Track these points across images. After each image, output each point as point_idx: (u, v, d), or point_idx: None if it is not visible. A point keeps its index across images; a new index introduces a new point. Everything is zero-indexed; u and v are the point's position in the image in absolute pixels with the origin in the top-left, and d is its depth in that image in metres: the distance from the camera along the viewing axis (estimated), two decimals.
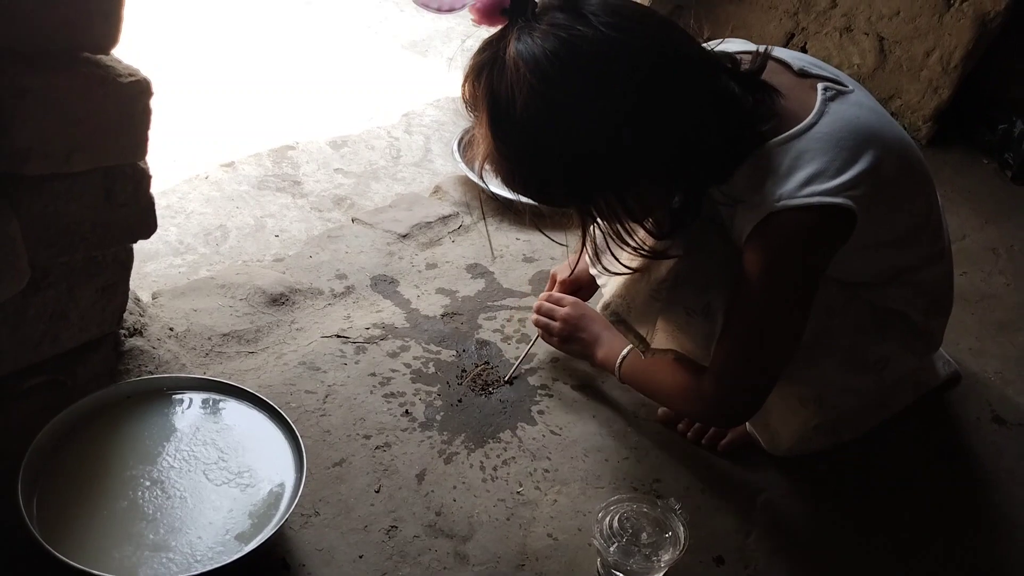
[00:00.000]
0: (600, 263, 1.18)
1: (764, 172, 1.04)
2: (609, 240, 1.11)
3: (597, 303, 1.39)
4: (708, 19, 2.36)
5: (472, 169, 1.96)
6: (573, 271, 1.44)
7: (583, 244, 1.13)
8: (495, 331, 1.54)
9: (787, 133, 1.05)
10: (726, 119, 1.04)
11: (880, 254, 1.15)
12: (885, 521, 1.29)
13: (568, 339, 1.41)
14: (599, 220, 1.09)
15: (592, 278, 1.44)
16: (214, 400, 1.26)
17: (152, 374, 1.31)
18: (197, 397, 1.26)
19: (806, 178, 1.02)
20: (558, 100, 0.97)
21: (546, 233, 1.23)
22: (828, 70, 1.14)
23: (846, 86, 1.11)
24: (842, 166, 1.03)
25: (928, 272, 1.22)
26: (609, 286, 1.25)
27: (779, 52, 1.14)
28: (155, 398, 1.25)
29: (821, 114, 1.06)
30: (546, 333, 1.43)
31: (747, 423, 1.31)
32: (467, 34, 3.03)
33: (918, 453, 1.41)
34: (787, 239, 1.04)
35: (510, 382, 1.43)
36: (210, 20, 2.93)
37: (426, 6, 1.08)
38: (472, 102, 1.04)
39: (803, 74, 1.12)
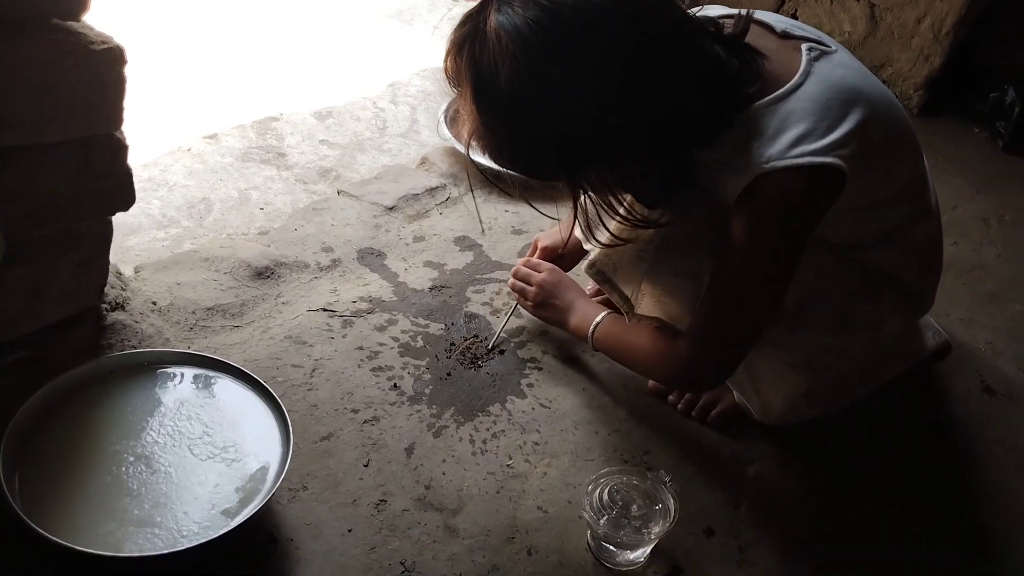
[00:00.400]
0: (591, 235, 1.17)
1: (751, 135, 1.03)
2: (599, 211, 1.09)
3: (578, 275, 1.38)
4: None
5: (460, 142, 1.94)
6: (566, 244, 1.43)
7: (574, 216, 1.12)
8: (484, 304, 1.53)
9: (773, 95, 1.04)
10: (711, 85, 1.02)
11: (870, 214, 1.14)
12: (875, 492, 1.29)
13: (542, 304, 1.39)
14: (588, 192, 1.07)
15: (575, 249, 1.43)
16: (198, 375, 1.24)
17: (135, 349, 1.29)
18: (181, 371, 1.24)
19: (794, 139, 1.01)
20: (542, 70, 0.95)
21: (534, 206, 1.21)
22: (810, 31, 1.12)
23: (829, 47, 1.09)
24: (830, 125, 1.02)
25: (918, 230, 1.21)
26: (592, 249, 1.25)
27: (761, 15, 1.12)
28: (138, 373, 1.22)
29: (807, 75, 1.05)
30: (521, 297, 1.42)
31: (736, 392, 1.31)
32: (453, 2, 2.98)
33: (908, 424, 1.41)
34: (776, 201, 1.03)
35: (495, 350, 1.42)
36: None
37: None
38: (455, 76, 1.02)
39: (786, 36, 1.10)
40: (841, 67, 1.08)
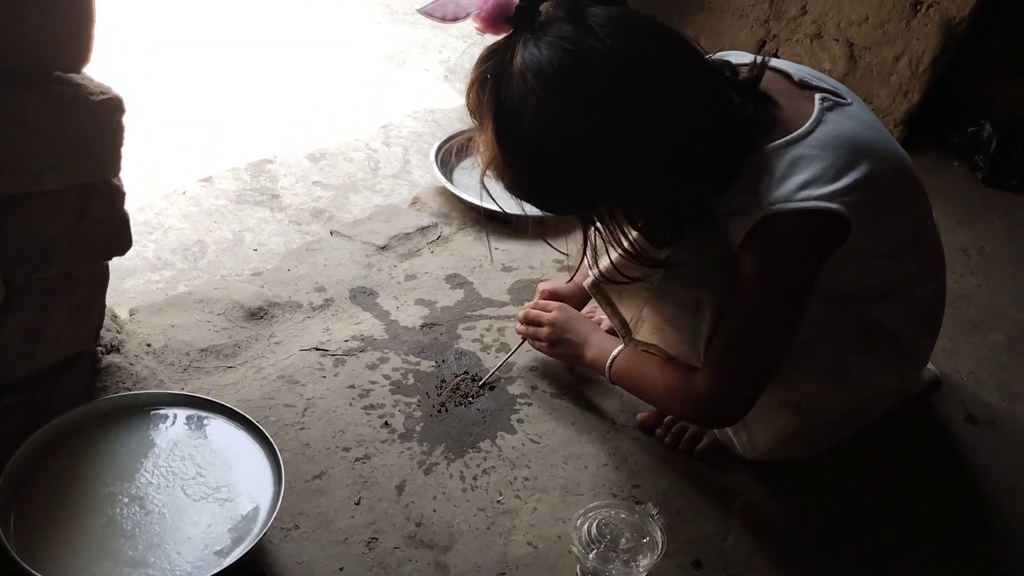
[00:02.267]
0: (599, 270, 1.18)
1: (760, 176, 1.06)
2: (609, 248, 1.12)
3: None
4: (681, 25, 2.40)
5: (449, 180, 1.98)
6: (572, 278, 1.43)
7: (583, 251, 1.14)
8: (474, 340, 1.55)
9: (784, 139, 1.07)
10: (727, 130, 1.06)
11: (872, 265, 1.16)
12: (863, 524, 1.30)
13: (556, 342, 1.39)
14: (600, 227, 1.10)
15: (578, 294, 1.45)
16: (192, 415, 1.26)
17: (130, 391, 1.31)
18: (175, 413, 1.26)
19: (801, 183, 1.04)
20: (565, 112, 0.99)
21: (548, 242, 1.27)
22: (828, 82, 1.16)
23: (845, 99, 1.13)
24: (837, 173, 1.05)
25: (920, 289, 1.24)
26: (600, 266, 1.24)
27: (779, 63, 1.16)
28: (133, 415, 1.25)
29: (818, 122, 1.08)
30: (533, 339, 1.43)
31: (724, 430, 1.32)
32: (443, 46, 3.05)
33: (894, 454, 1.43)
34: (782, 241, 1.05)
35: (487, 387, 1.44)
36: (187, 35, 2.93)
37: (430, 15, 1.10)
38: (477, 109, 1.05)
39: (803, 85, 1.14)
40: (853, 119, 1.11)
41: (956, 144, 2.30)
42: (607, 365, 1.32)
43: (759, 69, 1.10)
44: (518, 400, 1.43)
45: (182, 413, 1.26)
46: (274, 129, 2.42)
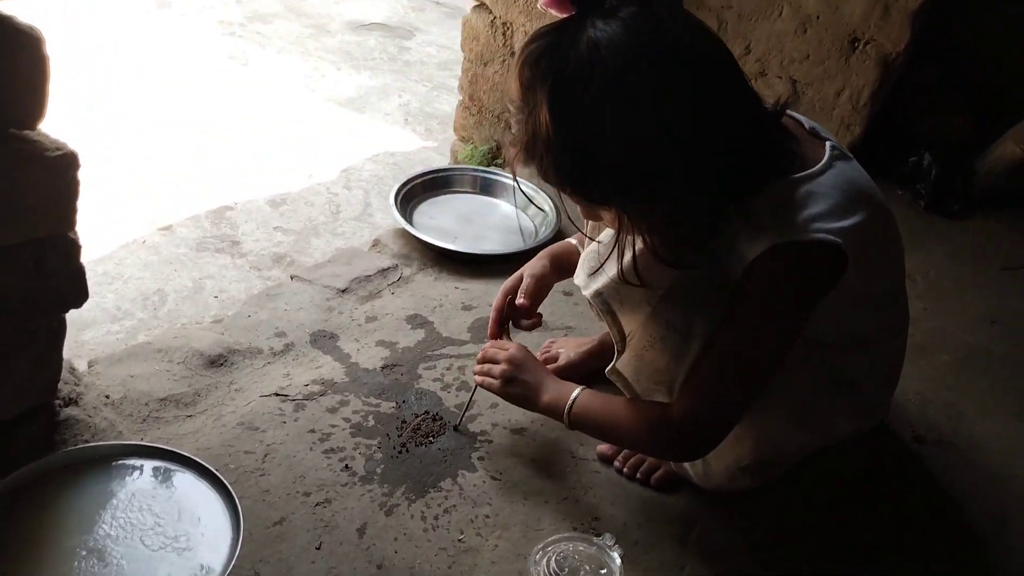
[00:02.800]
0: (620, 268, 1.16)
1: (774, 205, 1.09)
2: (626, 248, 1.12)
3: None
4: None
5: (409, 222, 2.01)
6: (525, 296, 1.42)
7: (616, 243, 1.13)
8: (435, 380, 1.57)
9: (800, 174, 1.11)
10: (760, 146, 1.09)
11: (853, 315, 1.19)
12: (817, 548, 1.33)
13: (511, 380, 1.34)
14: (628, 221, 1.10)
15: (536, 310, 1.46)
16: (150, 466, 1.26)
17: (88, 443, 1.31)
18: (133, 464, 1.26)
19: (812, 215, 1.08)
20: (633, 91, 0.99)
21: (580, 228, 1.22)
22: (833, 138, 1.21)
23: (848, 154, 1.19)
24: (843, 214, 1.09)
25: (890, 344, 1.30)
26: (602, 278, 1.24)
27: (792, 112, 1.21)
28: (91, 467, 1.25)
29: (829, 165, 1.13)
30: (488, 377, 1.37)
31: None
32: (403, 90, 3.10)
33: (846, 477, 1.46)
34: (785, 270, 1.08)
35: (457, 429, 1.45)
36: (149, 86, 2.96)
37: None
38: (528, 84, 1.04)
39: (813, 133, 1.19)
40: (856, 171, 1.17)
41: (899, 173, 2.38)
42: (566, 407, 1.28)
43: (781, 106, 1.15)
44: (479, 438, 1.45)
45: (140, 464, 1.26)
46: (235, 176, 2.46)
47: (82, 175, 1.19)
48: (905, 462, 1.51)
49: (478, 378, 1.39)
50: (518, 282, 1.45)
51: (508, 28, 2.41)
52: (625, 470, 1.39)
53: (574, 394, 1.28)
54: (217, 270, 1.93)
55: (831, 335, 1.21)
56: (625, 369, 1.26)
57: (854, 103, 2.28)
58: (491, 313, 1.45)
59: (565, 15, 1.04)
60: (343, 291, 1.80)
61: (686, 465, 1.35)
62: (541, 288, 1.46)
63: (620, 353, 1.26)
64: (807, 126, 1.20)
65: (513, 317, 1.45)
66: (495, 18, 2.43)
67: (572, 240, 1.51)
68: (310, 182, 2.41)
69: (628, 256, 1.14)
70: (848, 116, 2.29)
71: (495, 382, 1.35)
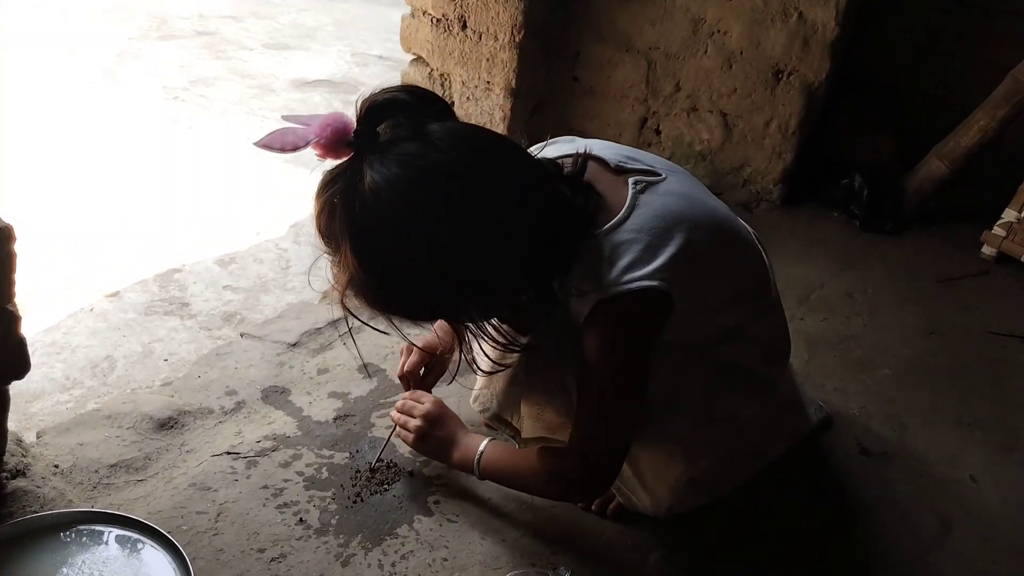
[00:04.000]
0: (475, 366, 1.26)
1: (589, 263, 1.14)
2: (479, 340, 1.19)
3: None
4: (567, 111, 2.54)
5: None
6: (437, 351, 1.48)
7: (460, 349, 1.20)
8: (388, 427, 1.56)
9: (606, 227, 1.15)
10: (566, 221, 1.14)
11: (707, 318, 1.25)
12: (772, 565, 1.36)
13: (425, 436, 1.39)
14: (467, 325, 1.17)
15: (443, 354, 1.50)
16: (101, 532, 1.25)
17: (36, 513, 1.29)
18: (84, 530, 1.25)
19: (624, 267, 1.12)
20: (420, 223, 1.04)
21: (408, 338, 1.24)
22: (644, 160, 1.25)
23: (659, 175, 1.22)
24: (654, 252, 1.14)
25: (760, 325, 1.33)
26: (474, 386, 1.34)
27: (598, 150, 1.25)
28: (39, 537, 1.23)
29: (632, 208, 1.17)
30: (404, 431, 1.42)
31: (627, 492, 1.37)
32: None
33: (796, 494, 1.50)
34: (616, 321, 1.14)
35: (373, 468, 1.46)
36: (92, 151, 2.96)
37: (268, 148, 1.14)
38: (328, 234, 1.08)
39: (619, 170, 1.22)
40: (665, 195, 1.20)
41: (833, 196, 2.47)
42: (475, 461, 1.33)
43: (583, 162, 1.19)
44: (434, 482, 1.46)
45: (91, 530, 1.25)
46: (183, 238, 2.46)
47: (26, 245, 1.20)
48: (852, 476, 1.55)
49: (397, 430, 1.44)
50: (425, 359, 1.49)
51: (446, 79, 2.48)
52: (579, 504, 1.41)
53: (480, 447, 1.34)
54: (166, 333, 1.93)
55: (699, 337, 1.26)
56: (535, 432, 1.33)
57: (783, 132, 2.37)
58: (402, 381, 1.50)
59: (344, 159, 1.07)
60: (294, 345, 1.81)
61: (635, 501, 1.37)
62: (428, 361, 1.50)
63: (514, 436, 1.36)
64: (613, 164, 1.23)
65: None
66: (432, 70, 2.49)
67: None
68: (259, 239, 2.42)
69: (484, 352, 1.23)
70: (779, 144, 2.38)
71: (410, 436, 1.41)
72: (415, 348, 1.48)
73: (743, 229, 1.34)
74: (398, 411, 1.44)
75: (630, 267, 1.12)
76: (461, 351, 1.20)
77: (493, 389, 1.29)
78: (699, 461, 1.30)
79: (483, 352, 1.25)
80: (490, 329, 1.17)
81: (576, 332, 1.17)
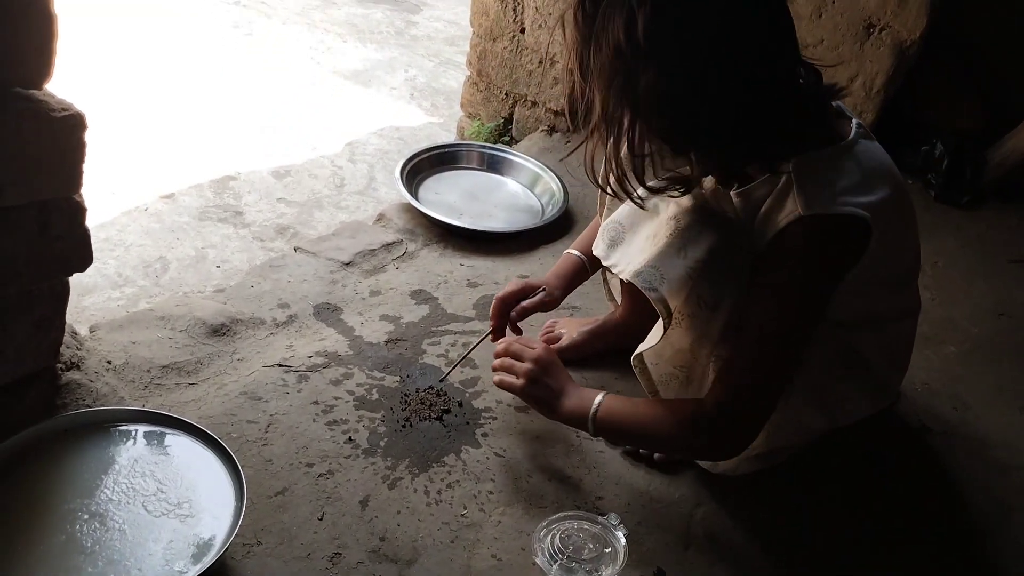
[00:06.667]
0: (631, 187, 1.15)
1: (803, 175, 1.09)
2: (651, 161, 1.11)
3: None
4: None
5: (415, 197, 1.99)
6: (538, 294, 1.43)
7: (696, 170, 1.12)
8: (439, 356, 1.56)
9: (829, 148, 1.11)
10: (804, 103, 1.11)
11: (871, 293, 1.19)
12: (823, 533, 1.33)
13: (535, 381, 1.28)
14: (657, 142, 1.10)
15: (538, 305, 1.45)
16: (153, 432, 1.25)
17: (90, 408, 1.30)
18: (135, 429, 1.25)
19: (839, 190, 1.08)
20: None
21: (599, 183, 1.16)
22: (857, 119, 1.20)
23: (871, 134, 1.18)
24: (868, 189, 1.10)
25: (903, 324, 1.30)
26: (635, 258, 1.22)
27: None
28: (93, 432, 1.23)
29: (855, 142, 1.13)
30: (509, 374, 1.31)
31: None
32: (409, 65, 3.07)
33: (852, 463, 1.46)
34: (814, 243, 1.08)
35: (442, 382, 1.45)
36: (153, 53, 2.92)
37: None
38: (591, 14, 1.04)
39: (839, 112, 1.19)
40: (878, 149, 1.17)
41: (910, 163, 2.36)
42: (591, 412, 1.24)
43: (818, 79, 1.14)
44: (483, 414, 1.44)
45: (143, 430, 1.25)
46: (238, 146, 2.43)
47: (88, 138, 1.17)
48: (912, 450, 1.51)
49: (496, 377, 1.32)
50: (527, 290, 1.45)
51: (519, 4, 2.39)
52: (629, 448, 1.38)
53: (597, 399, 1.25)
54: (220, 240, 1.91)
55: (846, 313, 1.20)
56: (647, 352, 1.24)
57: (867, 90, 2.25)
58: (495, 303, 1.45)
59: None
60: (347, 264, 1.79)
61: None
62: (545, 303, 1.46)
63: (667, 328, 1.21)
64: (834, 104, 1.20)
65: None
66: None
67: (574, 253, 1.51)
68: (314, 154, 2.39)
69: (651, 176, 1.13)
70: (861, 103, 2.27)
71: (517, 382, 1.29)
72: (519, 280, 1.45)
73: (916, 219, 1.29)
74: (502, 352, 1.33)
75: (846, 191, 1.08)
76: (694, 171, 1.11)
77: (663, 271, 1.17)
78: (778, 439, 1.25)
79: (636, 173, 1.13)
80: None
81: (749, 251, 1.12)
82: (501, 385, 1.32)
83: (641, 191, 1.14)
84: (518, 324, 1.46)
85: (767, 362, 1.13)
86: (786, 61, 1.08)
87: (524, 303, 1.44)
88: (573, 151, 1.16)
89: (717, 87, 1.02)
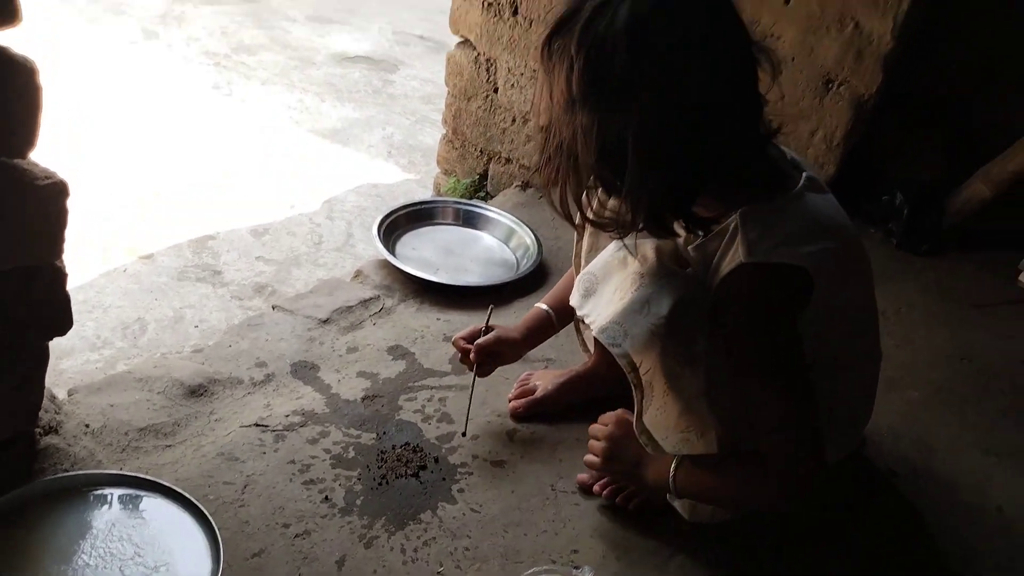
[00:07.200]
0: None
1: (748, 222, 1.12)
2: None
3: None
4: None
5: (392, 253, 2.03)
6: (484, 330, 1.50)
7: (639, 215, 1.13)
8: (416, 411, 1.58)
9: (775, 200, 1.15)
10: (757, 150, 1.14)
11: (824, 337, 1.21)
12: None
13: (612, 458, 1.36)
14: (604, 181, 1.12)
15: (503, 345, 1.51)
16: (130, 495, 1.26)
17: (67, 472, 1.30)
18: (113, 493, 1.26)
19: (781, 239, 1.11)
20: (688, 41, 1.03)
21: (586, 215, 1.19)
22: (811, 173, 1.23)
23: (824, 188, 1.23)
24: (810, 239, 1.13)
25: (861, 370, 1.34)
26: (603, 312, 1.25)
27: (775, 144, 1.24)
28: (71, 496, 1.24)
29: (802, 194, 1.17)
30: (590, 455, 1.40)
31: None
32: (387, 123, 3.13)
33: (823, 508, 1.48)
34: (755, 290, 1.12)
35: (464, 436, 1.51)
36: (132, 113, 2.97)
37: None
38: (560, 51, 1.06)
39: (794, 164, 1.23)
40: (826, 203, 1.21)
41: (872, 212, 2.44)
42: (671, 475, 1.27)
43: (775, 130, 1.18)
44: (459, 470, 1.46)
45: (120, 493, 1.26)
46: (217, 205, 2.47)
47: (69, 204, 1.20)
48: (881, 494, 1.54)
49: (588, 457, 1.41)
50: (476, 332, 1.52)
51: (492, 64, 2.46)
52: (604, 493, 1.41)
53: (673, 464, 1.27)
54: (198, 299, 1.94)
55: (811, 356, 1.21)
56: (654, 426, 1.26)
57: (828, 143, 2.34)
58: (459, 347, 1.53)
59: None
60: (324, 321, 1.81)
61: (674, 501, 1.35)
62: (498, 346, 1.52)
63: (636, 387, 1.24)
64: (789, 156, 1.24)
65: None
66: (479, 54, 2.48)
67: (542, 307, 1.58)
68: (293, 212, 2.43)
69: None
70: (822, 156, 2.35)
71: (597, 460, 1.39)
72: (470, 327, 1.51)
73: (871, 271, 1.33)
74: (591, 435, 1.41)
75: (785, 241, 1.11)
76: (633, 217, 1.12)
77: (627, 328, 1.21)
78: None
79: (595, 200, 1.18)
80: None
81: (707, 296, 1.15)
82: (588, 465, 1.41)
83: (578, 218, 1.20)
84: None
85: (787, 402, 1.15)
86: (731, 114, 1.09)
87: (479, 341, 1.51)
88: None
89: (647, 139, 1.04)
